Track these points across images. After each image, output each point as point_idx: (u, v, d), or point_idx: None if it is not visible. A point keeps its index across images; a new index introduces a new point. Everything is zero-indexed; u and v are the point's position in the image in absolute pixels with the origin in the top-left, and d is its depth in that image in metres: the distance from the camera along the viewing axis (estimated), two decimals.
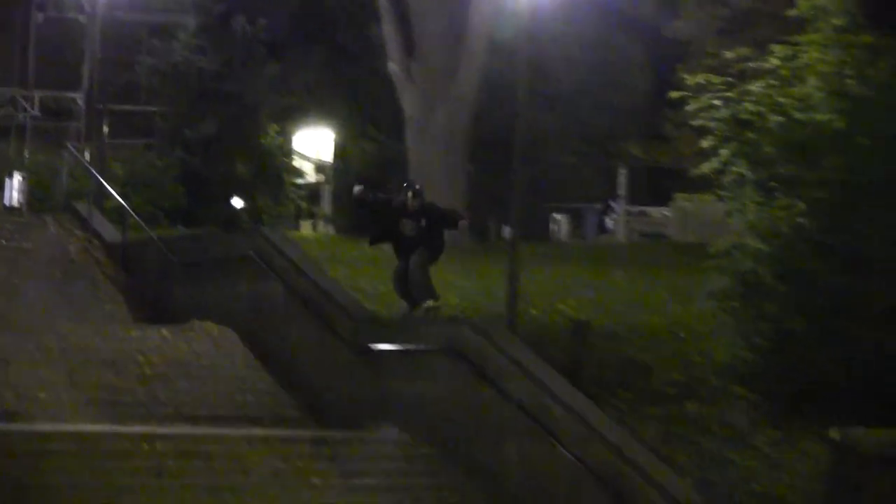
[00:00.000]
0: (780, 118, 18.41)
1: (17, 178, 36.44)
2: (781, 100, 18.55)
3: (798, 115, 18.33)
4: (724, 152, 19.08)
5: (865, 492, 14.95)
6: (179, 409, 19.65)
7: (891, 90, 18.19)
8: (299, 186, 43.50)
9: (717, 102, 18.93)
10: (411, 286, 18.67)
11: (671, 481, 15.15)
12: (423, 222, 18.63)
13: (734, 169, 19.02)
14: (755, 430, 18.19)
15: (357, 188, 19.95)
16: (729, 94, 18.97)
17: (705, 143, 19.88)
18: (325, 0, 41.53)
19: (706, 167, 19.86)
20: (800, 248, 18.89)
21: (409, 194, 18.76)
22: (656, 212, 42.31)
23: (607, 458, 15.83)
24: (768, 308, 19.31)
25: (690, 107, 19.73)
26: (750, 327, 19.61)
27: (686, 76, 21.77)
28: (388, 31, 31.75)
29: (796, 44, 19.35)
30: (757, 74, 19.60)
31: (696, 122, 20.10)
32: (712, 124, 19.16)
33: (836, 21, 19.04)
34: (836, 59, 18.75)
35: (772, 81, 19.05)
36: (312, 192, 44.29)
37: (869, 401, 17.55)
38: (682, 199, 35.10)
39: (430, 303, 18.31)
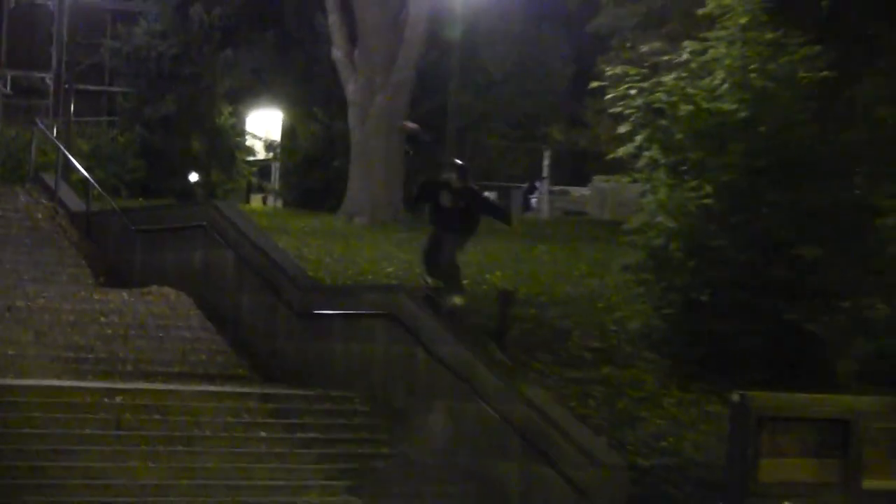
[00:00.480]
0: (689, 107, 19.79)
1: None
2: (691, 91, 19.93)
3: (706, 105, 19.71)
4: (638, 138, 20.53)
5: (763, 450, 16.21)
6: (138, 366, 20.71)
7: (789, 83, 19.66)
8: (250, 163, 45.05)
9: (632, 92, 20.12)
10: (443, 274, 18.76)
11: (587, 438, 16.65)
12: (462, 203, 18.56)
13: (647, 153, 20.58)
14: (664, 392, 19.71)
15: (411, 124, 20.65)
16: (644, 84, 20.22)
17: (622, 129, 21.10)
18: None
19: (622, 151, 21.24)
20: (706, 227, 20.47)
21: (454, 175, 18.81)
22: (577, 191, 43.66)
23: (530, 416, 17.09)
24: (677, 280, 20.77)
25: (609, 96, 21.04)
26: (660, 298, 21.15)
27: (605, 68, 23.32)
28: (333, 20, 32.84)
29: (705, 40, 20.70)
30: (669, 67, 20.98)
31: (614, 110, 21.33)
32: (628, 112, 20.32)
33: (741, 19, 19.91)
34: (740, 54, 19.96)
35: (683, 74, 20.45)
36: (263, 168, 46.02)
37: (768, 366, 19.34)
38: (600, 180, 36.29)
39: (456, 299, 18.46)
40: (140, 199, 36.19)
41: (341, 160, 34.54)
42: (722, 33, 20.40)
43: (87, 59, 43.38)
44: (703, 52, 20.66)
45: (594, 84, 22.54)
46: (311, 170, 38.50)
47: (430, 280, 18.64)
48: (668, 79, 20.39)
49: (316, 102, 37.52)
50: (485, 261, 25.57)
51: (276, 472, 17.45)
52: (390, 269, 24.34)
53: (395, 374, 19.75)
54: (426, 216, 21.20)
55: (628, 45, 27.15)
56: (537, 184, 47.96)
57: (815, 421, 17.33)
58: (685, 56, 20.80)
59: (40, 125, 36.87)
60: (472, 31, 28.72)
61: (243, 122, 43.23)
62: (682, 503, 17.59)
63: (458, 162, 19.40)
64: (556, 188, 46.77)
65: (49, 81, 41.30)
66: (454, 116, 25.04)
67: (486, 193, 44.29)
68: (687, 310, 20.90)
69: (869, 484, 17.01)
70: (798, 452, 17.27)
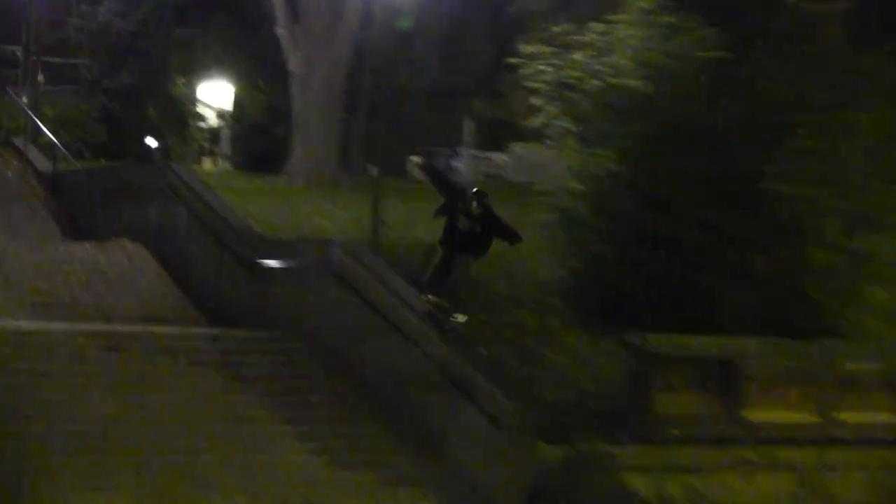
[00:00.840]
0: (596, 83, 21.69)
1: None
2: (598, 68, 21.75)
3: (611, 81, 21.58)
4: (550, 109, 22.46)
5: (656, 386, 18.60)
6: (98, 309, 23.20)
7: (685, 61, 21.48)
8: (202, 129, 46.65)
9: (545, 68, 21.91)
10: (448, 292, 19.03)
11: (499, 374, 18.48)
12: (479, 228, 18.84)
13: (558, 123, 22.30)
14: (568, 335, 21.63)
15: (417, 158, 21.07)
16: (556, 61, 21.95)
17: (536, 102, 22.67)
18: None
19: (536, 121, 23.18)
20: (611, 189, 22.50)
21: (474, 203, 18.94)
22: (497, 157, 45.47)
23: (448, 355, 18.80)
24: (583, 237, 22.71)
25: (524, 71, 22.75)
26: (568, 252, 23.13)
27: (522, 46, 24.11)
28: (277, 10, 34.35)
29: (611, 22, 22.27)
30: (579, 46, 22.11)
31: (529, 84, 22.80)
32: (541, 86, 22.12)
33: (644, 3, 21.70)
34: (643, 35, 21.76)
35: (591, 52, 21.90)
36: (213, 134, 47.11)
37: (661, 312, 20.89)
38: (517, 147, 38.23)
39: (459, 317, 18.77)
40: (102, 160, 37.39)
41: (284, 128, 36.54)
42: (626, 16, 22.03)
43: (55, 34, 44.22)
44: (609, 32, 22.20)
45: (512, 60, 23.93)
46: (257, 136, 40.67)
47: (432, 298, 18.83)
48: (577, 56, 21.83)
49: (262, 76, 39.38)
50: (409, 217, 26.65)
51: (223, 406, 19.02)
52: (326, 225, 26.17)
53: (329, 318, 21.43)
54: (375, 180, 22.42)
55: (542, 26, 27.65)
56: (459, 150, 49.61)
57: (703, 360, 19.68)
58: (593, 36, 22.14)
59: (10, 93, 39.45)
60: (401, 12, 30.52)
61: (195, 93, 44.60)
62: (582, 432, 18.33)
63: (480, 191, 19.26)
64: (478, 153, 48.76)
65: (19, 54, 42.27)
66: (365, 88, 26.84)
67: (412, 157, 46.63)
68: (591, 263, 22.86)
69: (748, 415, 19.21)
70: (687, 388, 19.31)
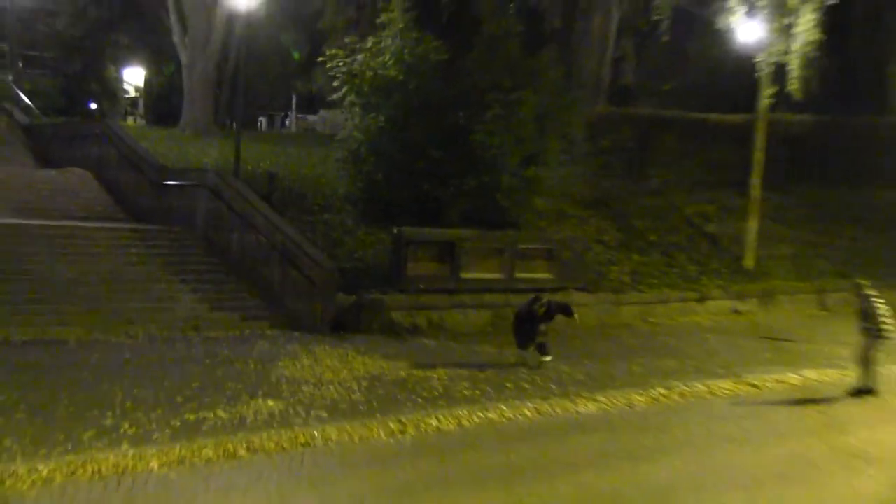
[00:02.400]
0: (371, 73, 28.49)
1: None
2: (372, 64, 28.47)
3: (381, 72, 28.40)
4: (344, 89, 29.05)
5: (409, 258, 25.51)
6: (59, 211, 29.48)
7: (424, 60, 28.35)
8: (126, 98, 57.74)
9: (341, 64, 28.83)
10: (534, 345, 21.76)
11: (315, 254, 24.17)
12: (549, 320, 22.17)
13: (349, 98, 28.98)
14: (357, 229, 28.18)
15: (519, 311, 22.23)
16: (347, 60, 28.80)
17: (335, 84, 29.40)
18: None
19: (336, 96, 29.81)
20: (381, 139, 28.97)
21: (538, 306, 21.92)
22: (312, 118, 53.53)
23: (283, 241, 24.42)
24: (364, 168, 29.30)
25: (328, 65, 29.45)
26: (356, 177, 29.87)
27: (327, 49, 30.70)
28: (174, 20, 40.25)
29: (379, 36, 28.91)
30: (361, 50, 28.89)
31: (332, 73, 29.50)
32: (338, 75, 29.00)
33: (400, 24, 28.62)
34: (399, 44, 28.34)
35: (368, 54, 28.62)
36: (132, 101, 58.26)
37: (414, 215, 27.26)
38: (323, 112, 45.69)
39: (548, 358, 21.57)
40: (61, 118, 44.73)
41: (178, 98, 43.25)
42: (389, 32, 28.75)
43: (29, 35, 54.11)
44: (380, 42, 28.73)
45: (321, 59, 30.41)
46: (161, 103, 49.60)
47: (548, 358, 21.48)
48: (359, 57, 28.67)
49: (164, 64, 47.87)
50: (257, 156, 32.57)
51: (142, 272, 24.91)
52: (205, 159, 31.52)
53: (207, 218, 26.95)
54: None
55: (339, 36, 34.42)
56: (290, 113, 60.56)
57: (436, 242, 26.36)
58: (369, 44, 28.92)
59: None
60: (250, 26, 35.88)
61: (122, 75, 54.56)
62: (365, 287, 24.82)
63: (536, 297, 21.87)
64: (301, 116, 60.01)
65: (7, 47, 52.12)
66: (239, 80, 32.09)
67: (260, 117, 53.73)
68: (369, 184, 29.15)
69: (463, 275, 26.20)
70: (428, 259, 26.27)
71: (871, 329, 20.54)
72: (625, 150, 39.37)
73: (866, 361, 20.55)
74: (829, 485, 14.35)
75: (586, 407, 18.28)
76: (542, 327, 21.42)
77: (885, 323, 20.51)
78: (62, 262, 23.88)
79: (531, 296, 22.64)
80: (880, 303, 20.91)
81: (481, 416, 16.76)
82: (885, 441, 16.91)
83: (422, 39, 28.52)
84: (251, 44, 38.44)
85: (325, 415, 15.62)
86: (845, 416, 18.90)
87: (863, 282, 21.43)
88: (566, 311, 22.36)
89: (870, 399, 20.09)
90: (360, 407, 16.37)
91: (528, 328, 21.71)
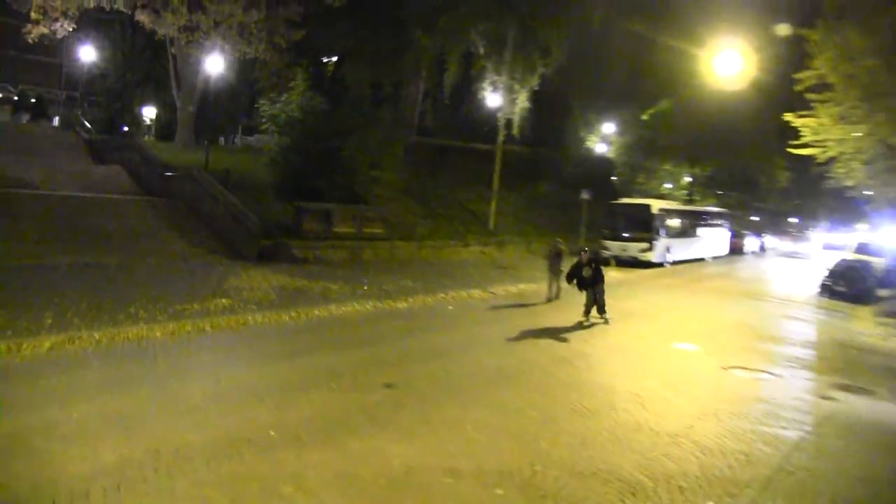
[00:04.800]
0: (284, 115, 27.12)
1: None
2: (285, 109, 27.19)
3: (289, 115, 27.17)
4: (268, 123, 27.73)
5: (303, 220, 24.50)
6: (106, 189, 26.34)
7: (314, 108, 27.20)
8: (145, 124, 51.92)
9: (267, 108, 27.51)
10: (597, 306, 18.23)
11: (250, 215, 23.14)
12: (593, 266, 18.48)
13: (272, 128, 27.77)
14: (275, 202, 26.65)
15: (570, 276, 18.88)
16: (270, 106, 27.58)
17: (264, 120, 27.87)
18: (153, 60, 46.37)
19: (264, 126, 28.55)
20: (289, 152, 27.41)
21: (582, 254, 18.86)
22: (249, 138, 47.52)
23: (232, 208, 23.52)
24: (279, 167, 27.66)
25: (261, 109, 28.04)
26: (275, 171, 27.88)
27: (260, 100, 29.49)
28: (173, 80, 37.42)
29: (290, 94, 27.39)
30: (278, 101, 27.62)
31: (262, 113, 27.92)
32: (266, 115, 27.74)
33: (302, 87, 27.14)
34: (301, 98, 27.10)
35: (284, 103, 27.24)
36: (149, 126, 51.94)
37: (307, 195, 25.87)
38: (258, 135, 41.46)
39: (606, 317, 18.15)
40: (107, 136, 41.20)
41: (174, 124, 40.20)
42: (294, 91, 27.35)
43: (91, 85, 49.31)
44: (289, 97, 27.43)
45: (256, 105, 29.51)
46: (165, 128, 44.32)
47: (606, 315, 18.21)
48: (278, 105, 27.43)
49: (168, 106, 43.20)
50: (218, 160, 30.89)
51: (152, 225, 23.13)
52: (189, 161, 29.41)
53: (191, 195, 25.61)
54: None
55: (267, 91, 32.47)
56: (238, 134, 52.88)
57: (320, 211, 25.35)
58: (283, 98, 27.59)
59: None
60: (215, 80, 34.87)
61: (142, 111, 48.75)
62: (279, 235, 23.83)
63: (582, 249, 19.15)
64: (244, 136, 51.29)
65: (77, 93, 49.35)
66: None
67: (221, 137, 47.75)
68: (283, 177, 27.68)
69: (335, 231, 25.29)
70: (314, 221, 25.37)
71: (556, 264, 21.29)
72: (425, 163, 39.07)
73: (554, 283, 21.25)
74: (529, 341, 14.95)
75: (400, 305, 18.42)
76: (587, 272, 18.50)
77: (562, 263, 21.23)
78: (106, 217, 22.83)
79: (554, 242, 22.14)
80: (563, 248, 21.78)
81: (344, 309, 16.86)
82: (560, 320, 17.81)
83: (313, 97, 27.89)
84: (217, 93, 37.58)
85: (255, 307, 15.58)
86: (541, 310, 19.70)
87: (558, 238, 22.21)
88: (604, 261, 19.25)
89: (555, 302, 20.81)
90: (275, 303, 16.23)
91: (573, 272, 18.98)
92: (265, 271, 20.32)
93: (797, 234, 61.03)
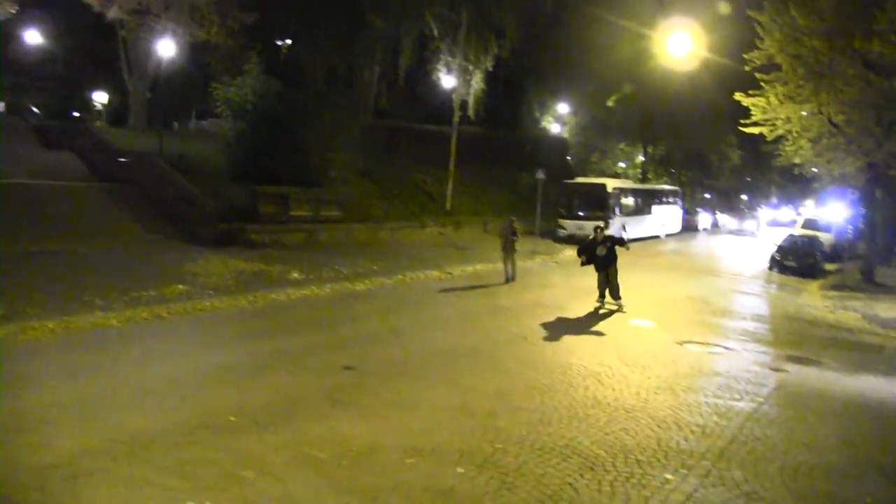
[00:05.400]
0: (238, 99, 26.43)
1: None
2: (239, 94, 26.49)
3: (243, 98, 26.47)
4: (223, 107, 26.98)
5: (260, 203, 24.42)
6: (53, 177, 26.11)
7: (268, 92, 26.50)
8: (96, 109, 49.47)
9: (222, 92, 26.71)
10: (610, 290, 17.37)
11: (206, 199, 23.14)
12: (606, 250, 17.46)
13: (226, 113, 27.09)
14: (231, 186, 25.59)
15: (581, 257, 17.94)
16: (224, 90, 26.82)
17: (219, 104, 27.17)
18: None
19: (218, 111, 27.86)
20: (244, 136, 26.74)
21: (597, 231, 17.94)
22: (203, 122, 45.83)
23: (188, 192, 23.40)
24: (234, 151, 27.00)
25: (215, 93, 27.08)
26: (229, 157, 27.24)
27: (214, 84, 27.87)
28: (124, 64, 36.22)
29: (244, 78, 26.61)
30: (232, 85, 26.86)
31: (216, 98, 27.14)
32: (220, 99, 26.93)
33: (255, 71, 26.58)
34: (254, 82, 26.54)
35: (236, 88, 26.66)
36: (100, 111, 49.63)
37: (263, 178, 25.44)
38: (212, 119, 39.04)
39: (620, 302, 17.31)
40: (56, 121, 40.43)
41: (126, 109, 39.37)
42: (248, 75, 26.78)
43: (39, 70, 46.09)
44: (243, 81, 26.81)
45: (210, 88, 27.79)
46: (118, 112, 43.16)
47: (621, 301, 17.38)
48: (231, 89, 26.72)
49: (119, 91, 41.63)
50: (173, 142, 30.03)
51: (107, 210, 23.16)
52: (145, 144, 29.08)
53: (145, 180, 25.56)
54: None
55: (220, 75, 30.59)
56: (192, 119, 50.90)
57: (276, 194, 25.41)
58: (237, 82, 26.89)
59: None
60: (166, 64, 34.22)
61: (92, 95, 47.13)
62: (235, 219, 23.54)
63: (597, 227, 18.24)
64: (198, 121, 49.48)
65: (24, 80, 44.89)
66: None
67: (175, 123, 44.91)
68: (238, 159, 26.91)
69: (291, 213, 25.17)
70: (271, 204, 25.30)
71: (510, 242, 21.25)
72: (381, 145, 39.02)
73: (509, 262, 21.22)
74: (486, 321, 15.10)
75: (358, 287, 18.45)
76: (602, 251, 17.61)
77: (517, 241, 21.26)
78: (58, 204, 22.78)
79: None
80: (517, 226, 21.64)
81: (302, 292, 16.90)
82: (517, 299, 17.91)
83: (268, 80, 27.36)
84: (170, 77, 36.79)
85: (212, 292, 15.54)
86: (497, 290, 19.84)
87: (512, 217, 22.15)
88: (620, 241, 18.51)
89: (512, 284, 20.86)
90: (232, 288, 16.22)
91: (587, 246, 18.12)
92: (222, 256, 20.11)
93: (743, 211, 61.90)
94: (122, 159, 26.94)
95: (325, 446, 7.42)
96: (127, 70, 37.67)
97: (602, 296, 17.56)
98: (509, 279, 20.98)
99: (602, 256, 17.42)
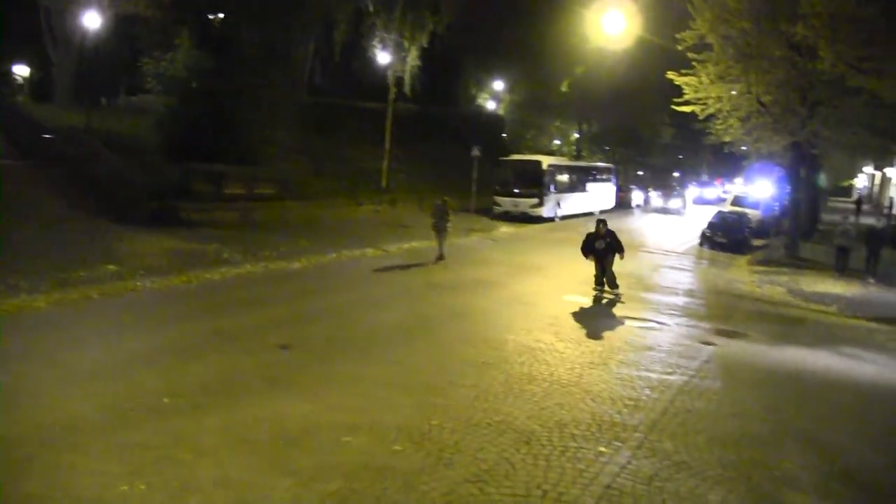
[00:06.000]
0: (170, 74, 26.81)
1: None
2: (170, 68, 26.81)
3: (175, 74, 26.79)
4: (156, 83, 27.46)
5: (194, 181, 24.36)
6: None
7: (200, 67, 26.87)
8: (17, 83, 45.91)
9: (152, 67, 26.89)
10: (607, 280, 17.41)
11: (137, 177, 22.44)
12: (609, 240, 17.47)
13: (158, 87, 27.01)
14: (165, 164, 25.36)
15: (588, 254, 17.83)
16: (155, 64, 27.13)
17: (149, 79, 27.43)
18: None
19: (149, 86, 27.84)
20: (177, 112, 26.96)
21: (600, 226, 17.80)
22: (135, 98, 42.13)
23: (118, 170, 22.78)
24: (166, 127, 26.59)
25: (145, 68, 27.12)
26: (165, 132, 27.05)
27: (144, 59, 28.18)
28: (46, 35, 35.79)
29: (175, 52, 26.90)
30: (163, 59, 27.02)
31: (146, 73, 27.51)
32: (151, 74, 27.29)
33: (187, 45, 26.65)
34: (186, 56, 26.76)
35: (166, 62, 27.02)
36: (21, 85, 46.09)
37: (199, 155, 25.21)
38: (142, 95, 36.95)
39: (617, 291, 17.20)
40: None
41: (51, 83, 38.22)
42: (181, 50, 26.46)
43: None
44: (175, 56, 27.06)
45: (139, 63, 27.71)
46: (41, 87, 41.06)
47: (618, 290, 17.32)
48: (163, 64, 26.91)
49: (42, 65, 40.09)
50: (104, 121, 29.37)
51: (32, 189, 22.17)
52: (71, 120, 28.59)
53: (73, 157, 24.86)
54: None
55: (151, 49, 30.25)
56: (120, 94, 46.45)
57: (210, 172, 25.12)
58: (169, 57, 27.08)
59: None
60: (96, 38, 33.98)
61: (12, 68, 43.84)
62: (169, 197, 23.08)
63: (599, 220, 18.17)
64: (128, 96, 44.85)
65: None
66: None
67: (103, 98, 41.59)
68: (169, 137, 26.99)
69: (224, 191, 24.99)
70: (205, 182, 24.99)
71: (442, 222, 21.07)
72: (317, 122, 38.72)
73: (442, 240, 21.09)
74: (423, 298, 15.09)
75: (294, 265, 18.28)
76: (601, 245, 17.63)
77: (449, 221, 21.20)
78: None
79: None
80: (448, 206, 21.45)
81: (237, 271, 16.65)
82: (453, 276, 17.89)
83: (200, 55, 27.30)
84: (97, 51, 35.34)
85: (144, 272, 15.19)
86: (433, 268, 19.86)
87: (445, 198, 21.62)
88: (618, 245, 18.00)
89: (447, 260, 20.80)
90: (165, 268, 15.87)
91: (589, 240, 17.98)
92: (155, 235, 19.66)
93: (670, 189, 61.76)
94: (48, 136, 26.15)
95: (261, 426, 7.37)
96: (51, 43, 36.43)
97: (599, 283, 17.77)
98: (440, 258, 20.84)
99: (601, 250, 17.65)
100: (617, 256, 17.77)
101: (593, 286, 17.69)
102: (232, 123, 26.58)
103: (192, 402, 7.97)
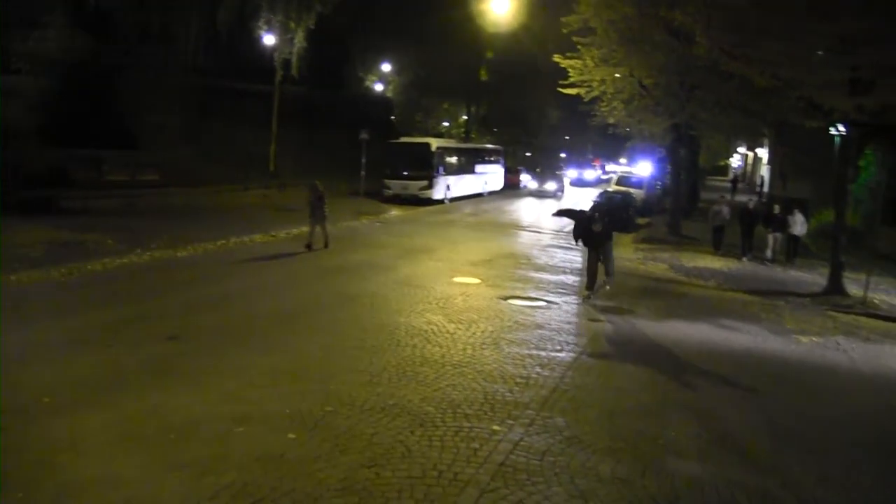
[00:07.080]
0: (43, 54, 24.84)
1: None
2: (43, 48, 24.85)
3: (51, 55, 24.73)
4: (19, 61, 24.93)
5: (72, 167, 23.76)
6: None
7: (78, 47, 25.23)
8: None
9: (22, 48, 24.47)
10: (606, 269, 15.74)
11: (8, 168, 21.36)
12: (606, 221, 15.70)
13: (27, 67, 25.16)
14: (42, 152, 24.30)
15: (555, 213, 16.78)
16: (27, 44, 24.72)
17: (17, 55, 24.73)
18: None
19: (16, 66, 25.28)
20: (52, 95, 25.26)
21: (596, 213, 15.96)
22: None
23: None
24: (42, 112, 24.93)
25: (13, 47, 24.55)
26: (39, 115, 24.78)
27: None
28: None
29: (47, 31, 25.06)
30: (36, 39, 25.14)
31: (16, 54, 25.16)
32: (22, 55, 25.05)
33: (61, 24, 25.11)
34: (61, 35, 24.96)
35: (48, 36, 24.71)
36: None
37: (79, 141, 24.34)
38: (10, 77, 37.46)
39: (611, 279, 15.88)
40: None
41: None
42: (55, 29, 24.83)
43: None
44: (45, 34, 25.04)
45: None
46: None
47: (610, 279, 15.90)
48: (32, 45, 24.91)
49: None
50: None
51: None
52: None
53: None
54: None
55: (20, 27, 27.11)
56: None
57: (91, 158, 24.78)
58: (36, 35, 24.90)
59: None
60: None
61: None
62: (48, 185, 22.54)
63: (595, 202, 14.89)
64: None
65: None
66: None
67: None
68: (52, 119, 24.97)
69: (108, 177, 24.69)
70: (85, 168, 24.54)
71: (318, 208, 19.97)
72: (202, 105, 37.61)
73: (319, 227, 20.31)
74: (313, 283, 14.93)
75: (180, 254, 17.92)
76: (598, 227, 15.50)
77: (325, 206, 20.30)
78: None
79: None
80: (323, 192, 20.40)
81: (120, 261, 16.18)
82: (341, 264, 17.78)
83: (75, 34, 26.32)
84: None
85: (18, 265, 14.48)
86: (321, 252, 19.69)
87: (318, 182, 20.79)
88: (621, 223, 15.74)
89: (332, 245, 20.51)
90: (42, 259, 15.30)
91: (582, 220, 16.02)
92: (30, 225, 18.87)
93: (547, 172, 60.75)
94: None
95: (149, 421, 7.14)
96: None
97: (591, 286, 15.60)
98: (311, 246, 19.68)
99: (598, 233, 15.52)
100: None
101: (584, 290, 15.81)
102: (111, 106, 25.65)
103: (74, 399, 7.63)
